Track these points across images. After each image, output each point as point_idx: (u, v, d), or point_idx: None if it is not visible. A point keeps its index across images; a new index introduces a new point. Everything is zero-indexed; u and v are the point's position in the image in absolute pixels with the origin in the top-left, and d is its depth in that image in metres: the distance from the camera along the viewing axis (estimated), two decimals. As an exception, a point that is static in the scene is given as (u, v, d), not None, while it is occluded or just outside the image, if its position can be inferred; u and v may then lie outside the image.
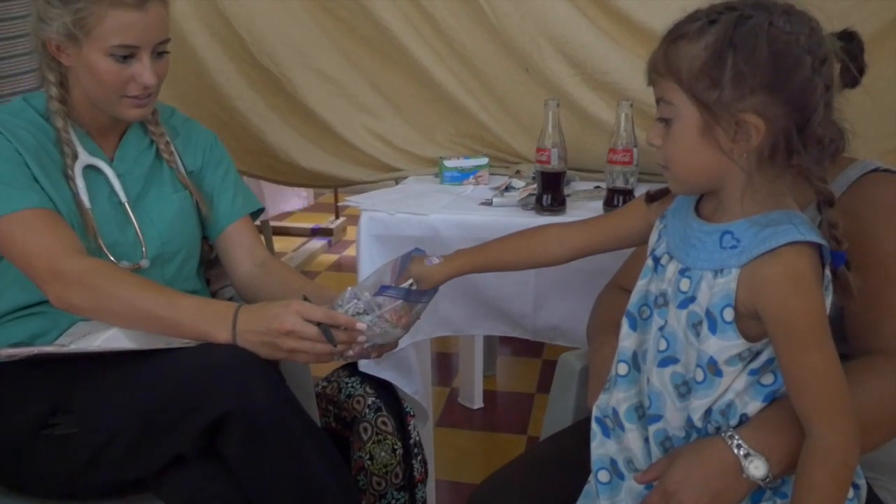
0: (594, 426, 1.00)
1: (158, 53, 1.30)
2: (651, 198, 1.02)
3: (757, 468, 0.88)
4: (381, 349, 1.22)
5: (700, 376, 0.89)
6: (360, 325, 1.13)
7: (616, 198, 1.61)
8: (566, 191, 1.67)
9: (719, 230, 0.88)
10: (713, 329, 0.86)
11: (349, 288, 1.17)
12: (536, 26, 1.79)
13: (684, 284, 0.90)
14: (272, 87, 2.00)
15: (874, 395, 0.93)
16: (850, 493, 0.89)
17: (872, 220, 1.00)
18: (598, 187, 1.76)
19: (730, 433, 0.89)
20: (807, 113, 0.82)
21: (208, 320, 1.18)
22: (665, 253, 0.94)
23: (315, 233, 4.26)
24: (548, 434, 1.31)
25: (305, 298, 1.20)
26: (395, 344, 1.23)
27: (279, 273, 1.44)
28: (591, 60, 1.78)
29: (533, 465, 1.20)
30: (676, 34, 0.85)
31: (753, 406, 0.89)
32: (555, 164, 1.59)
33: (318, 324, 1.13)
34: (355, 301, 1.15)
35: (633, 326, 0.97)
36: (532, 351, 2.88)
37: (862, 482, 0.93)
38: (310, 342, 1.13)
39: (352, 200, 1.77)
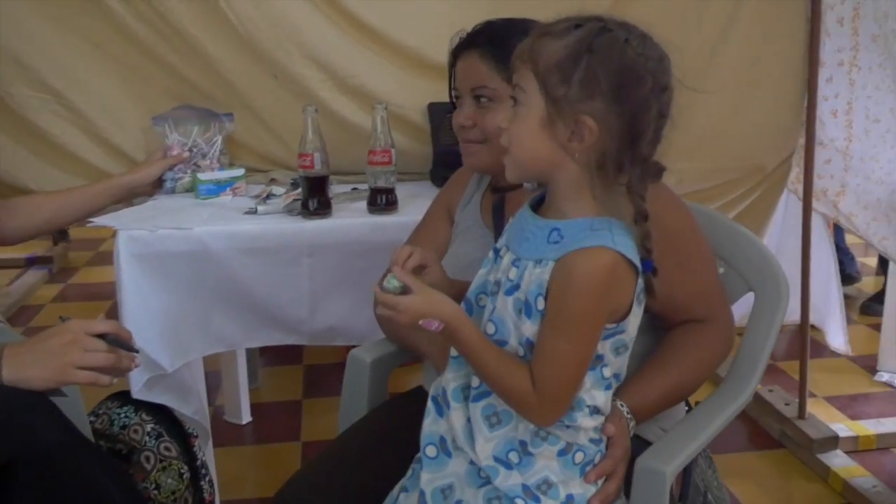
0: (429, 404, 1.05)
1: None
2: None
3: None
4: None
5: (521, 353, 0.97)
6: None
7: (379, 197, 1.67)
8: (328, 194, 1.71)
9: (549, 226, 0.96)
10: (528, 314, 0.95)
11: None
12: (283, 31, 1.79)
13: (513, 273, 0.98)
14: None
15: (693, 359, 1.15)
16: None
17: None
18: (355, 188, 1.82)
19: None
20: (637, 130, 0.91)
21: None
22: (504, 245, 1.02)
23: (31, 262, 3.85)
24: (344, 428, 1.34)
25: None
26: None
27: None
28: (339, 64, 1.82)
29: (337, 458, 1.23)
30: (545, 30, 0.93)
31: (600, 396, 1.00)
32: (318, 169, 1.61)
33: (103, 336, 1.11)
34: None
35: (470, 312, 1.04)
36: (292, 358, 2.87)
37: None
38: (106, 355, 1.11)
39: (99, 221, 1.65)
